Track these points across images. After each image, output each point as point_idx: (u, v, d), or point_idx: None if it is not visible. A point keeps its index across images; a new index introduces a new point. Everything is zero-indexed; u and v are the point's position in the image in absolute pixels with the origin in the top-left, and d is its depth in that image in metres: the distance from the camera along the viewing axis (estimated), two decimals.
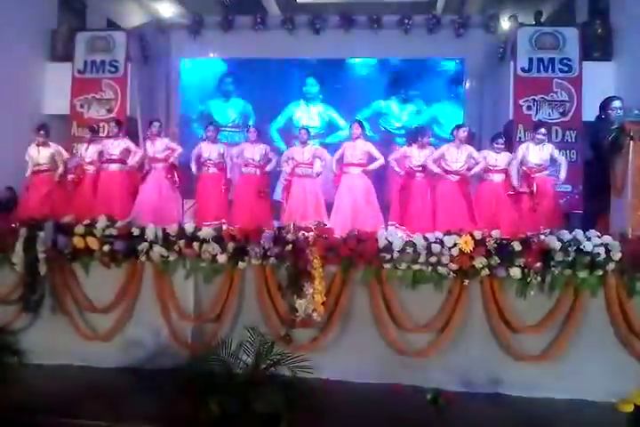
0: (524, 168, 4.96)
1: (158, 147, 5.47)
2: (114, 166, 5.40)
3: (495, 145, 5.06)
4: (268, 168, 5.60)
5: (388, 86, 7.72)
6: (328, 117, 7.65)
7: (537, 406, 2.93)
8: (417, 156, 5.15)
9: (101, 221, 3.49)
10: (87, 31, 7.25)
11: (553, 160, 5.02)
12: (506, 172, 5.04)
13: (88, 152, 5.57)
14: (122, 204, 5.25)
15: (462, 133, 5.01)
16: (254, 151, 5.53)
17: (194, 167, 5.53)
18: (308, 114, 7.68)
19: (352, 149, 5.21)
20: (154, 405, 2.73)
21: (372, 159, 5.27)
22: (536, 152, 4.99)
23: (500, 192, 4.99)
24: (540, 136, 5.01)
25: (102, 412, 2.71)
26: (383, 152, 5.39)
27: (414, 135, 5.58)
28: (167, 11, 8.05)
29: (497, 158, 5.03)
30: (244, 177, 5.56)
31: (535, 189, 4.85)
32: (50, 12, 7.27)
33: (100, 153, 5.46)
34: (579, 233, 3.11)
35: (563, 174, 5.00)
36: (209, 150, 5.53)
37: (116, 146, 5.43)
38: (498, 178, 5.03)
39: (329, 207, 5.26)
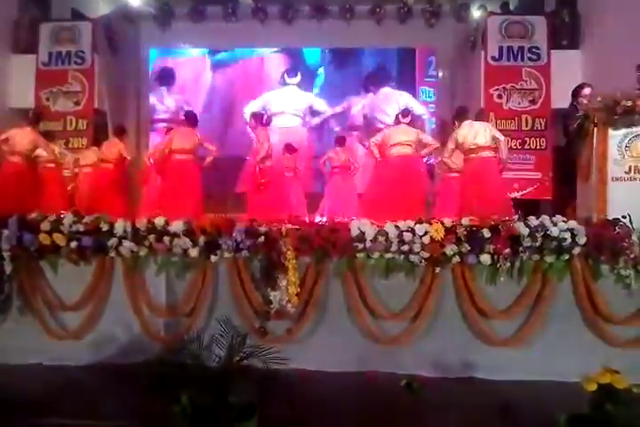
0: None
1: None
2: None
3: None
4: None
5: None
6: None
7: (508, 388, 2.99)
8: None
9: (68, 217, 3.40)
10: (51, 22, 7.02)
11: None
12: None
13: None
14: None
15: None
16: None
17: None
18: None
19: (337, 155, 7.02)
20: (127, 400, 2.69)
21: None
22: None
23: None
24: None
25: (76, 409, 2.67)
26: None
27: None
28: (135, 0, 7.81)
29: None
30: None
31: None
32: (10, 2, 6.98)
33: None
34: (545, 219, 3.16)
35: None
36: None
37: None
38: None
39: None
